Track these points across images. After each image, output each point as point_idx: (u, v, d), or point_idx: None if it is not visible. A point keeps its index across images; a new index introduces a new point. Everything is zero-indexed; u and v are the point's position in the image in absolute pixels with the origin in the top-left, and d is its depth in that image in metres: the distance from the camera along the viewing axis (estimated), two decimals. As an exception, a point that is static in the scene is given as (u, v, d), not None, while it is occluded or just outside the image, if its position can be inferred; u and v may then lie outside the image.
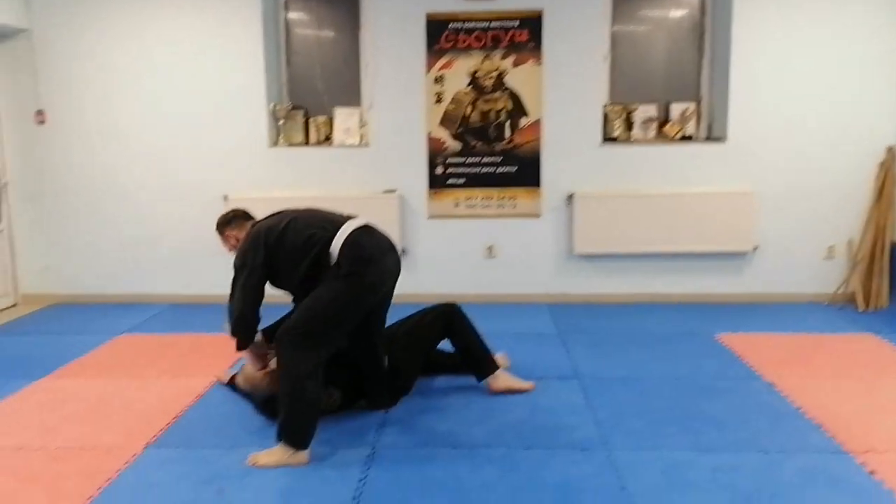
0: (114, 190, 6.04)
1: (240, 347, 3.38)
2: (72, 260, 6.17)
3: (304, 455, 3.12)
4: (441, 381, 4.07)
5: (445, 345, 3.98)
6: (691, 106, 5.90)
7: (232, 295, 3.28)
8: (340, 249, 3.20)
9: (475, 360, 3.93)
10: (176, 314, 5.76)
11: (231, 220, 3.65)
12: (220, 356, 4.50)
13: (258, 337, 3.47)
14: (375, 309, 3.48)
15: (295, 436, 3.12)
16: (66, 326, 5.44)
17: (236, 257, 3.36)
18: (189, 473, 3.03)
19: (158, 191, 6.02)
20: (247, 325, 3.31)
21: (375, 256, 3.27)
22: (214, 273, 5.90)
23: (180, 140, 5.94)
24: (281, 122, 5.97)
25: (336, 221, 3.33)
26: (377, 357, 3.64)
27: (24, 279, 6.23)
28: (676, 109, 5.90)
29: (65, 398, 3.92)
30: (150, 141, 5.95)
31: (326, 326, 3.18)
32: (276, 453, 3.11)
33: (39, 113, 5.97)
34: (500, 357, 4.08)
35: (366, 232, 3.35)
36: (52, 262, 6.19)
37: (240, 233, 3.56)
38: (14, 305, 6.14)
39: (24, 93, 5.96)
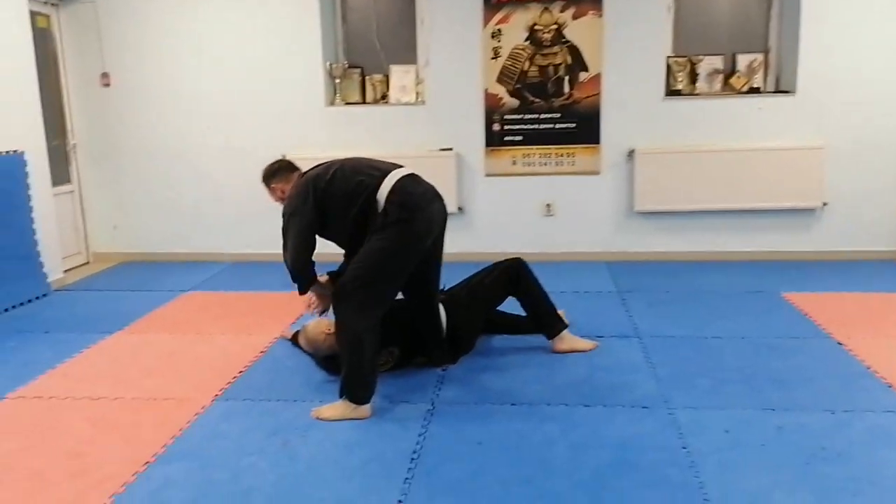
0: (177, 150, 6.16)
1: (301, 291, 3.41)
2: (139, 219, 6.35)
3: (365, 409, 3.17)
4: (500, 339, 4.08)
5: (511, 305, 3.98)
6: (759, 57, 5.69)
7: (284, 244, 3.32)
8: (388, 196, 3.17)
9: (543, 317, 3.91)
10: (238, 272, 5.89)
11: (276, 172, 3.62)
12: (282, 313, 4.60)
13: (323, 279, 3.48)
14: (428, 259, 3.45)
15: (356, 391, 3.17)
16: (134, 283, 5.63)
17: (285, 206, 3.37)
18: (255, 425, 3.12)
19: (219, 151, 6.12)
20: (301, 268, 3.30)
21: (422, 204, 3.23)
22: (274, 232, 6.00)
23: (239, 100, 6.01)
24: (337, 80, 5.98)
25: (383, 169, 3.30)
26: (434, 313, 3.65)
27: (94, 238, 6.44)
28: (743, 61, 5.70)
29: (137, 352, 4.07)
30: (210, 101, 6.03)
31: (380, 278, 3.17)
32: (339, 407, 3.18)
33: (105, 76, 6.10)
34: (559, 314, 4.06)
35: (412, 179, 3.31)
36: (119, 222, 6.38)
37: (286, 184, 3.54)
38: (86, 263, 6.36)
39: (90, 56, 6.09)
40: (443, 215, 3.40)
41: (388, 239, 3.16)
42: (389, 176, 3.24)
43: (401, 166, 3.36)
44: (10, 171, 5.02)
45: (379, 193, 3.18)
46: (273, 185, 3.61)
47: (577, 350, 3.86)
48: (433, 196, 3.33)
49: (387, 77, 6.01)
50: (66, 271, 5.80)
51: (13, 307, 4.95)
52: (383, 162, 3.40)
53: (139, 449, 2.93)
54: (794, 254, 5.72)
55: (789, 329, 4.14)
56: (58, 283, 5.52)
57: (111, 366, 3.87)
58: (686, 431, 2.94)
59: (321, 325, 3.71)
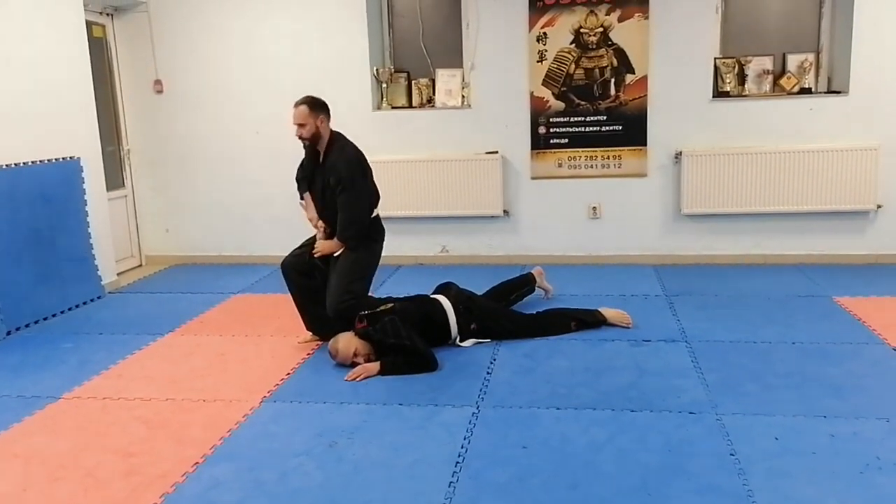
0: (227, 155, 6.27)
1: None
2: (189, 223, 6.48)
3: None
4: (546, 344, 4.06)
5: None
6: (810, 57, 5.58)
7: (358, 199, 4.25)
8: None
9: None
10: (286, 275, 5.96)
11: (326, 107, 4.42)
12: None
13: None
14: None
15: None
16: (186, 286, 5.74)
17: (354, 168, 4.23)
18: (303, 427, 3.17)
19: (267, 156, 6.20)
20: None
21: None
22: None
23: (287, 105, 6.01)
24: (384, 85, 6.02)
25: None
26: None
27: (146, 241, 6.60)
28: (793, 61, 5.59)
29: (188, 353, 4.16)
30: (259, 106, 6.12)
31: None
32: None
33: (157, 83, 6.25)
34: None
35: None
36: (171, 225, 6.52)
37: (325, 122, 4.42)
38: (139, 266, 6.52)
39: (143, 64, 6.24)
40: None
41: None
42: None
43: None
44: (67, 177, 5.17)
45: None
46: (321, 117, 4.20)
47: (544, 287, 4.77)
48: None
49: (433, 81, 6.04)
50: (119, 274, 5.94)
51: (69, 309, 5.10)
52: None
53: (189, 449, 2.99)
54: (847, 257, 5.58)
55: (842, 334, 4.04)
56: (112, 286, 5.66)
57: (163, 367, 3.97)
58: (735, 438, 2.90)
59: (350, 346, 3.78)
